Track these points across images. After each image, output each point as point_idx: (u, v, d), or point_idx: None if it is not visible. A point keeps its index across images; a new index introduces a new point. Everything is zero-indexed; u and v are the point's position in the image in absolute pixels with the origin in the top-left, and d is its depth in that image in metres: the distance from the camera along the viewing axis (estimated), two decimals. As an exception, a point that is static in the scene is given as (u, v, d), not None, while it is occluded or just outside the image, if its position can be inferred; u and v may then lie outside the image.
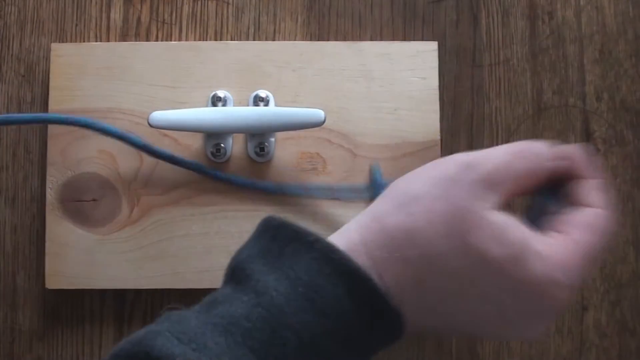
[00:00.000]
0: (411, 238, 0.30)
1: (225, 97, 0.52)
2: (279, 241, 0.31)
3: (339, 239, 0.31)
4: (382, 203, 0.32)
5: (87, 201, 0.52)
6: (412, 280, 0.30)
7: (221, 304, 0.30)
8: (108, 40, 0.54)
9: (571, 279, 0.30)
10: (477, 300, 0.31)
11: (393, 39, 0.54)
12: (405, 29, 0.55)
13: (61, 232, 0.51)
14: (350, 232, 0.32)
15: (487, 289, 0.30)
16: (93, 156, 0.52)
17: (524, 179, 0.32)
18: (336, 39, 0.54)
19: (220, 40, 0.54)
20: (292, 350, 0.28)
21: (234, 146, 0.52)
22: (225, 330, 0.28)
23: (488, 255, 0.30)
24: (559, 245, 0.31)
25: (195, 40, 0.54)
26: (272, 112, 0.49)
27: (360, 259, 0.30)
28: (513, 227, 0.31)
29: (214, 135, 0.51)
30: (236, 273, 0.31)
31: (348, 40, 0.54)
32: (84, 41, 0.54)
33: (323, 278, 0.29)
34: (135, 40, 0.54)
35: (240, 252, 0.32)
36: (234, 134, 0.51)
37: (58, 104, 0.52)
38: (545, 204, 0.34)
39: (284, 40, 0.54)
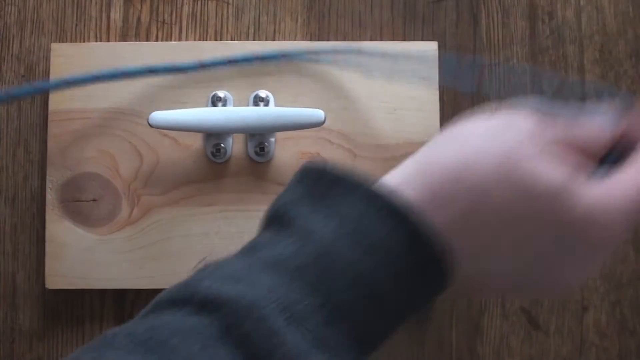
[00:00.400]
0: (462, 171, 0.30)
1: (225, 97, 0.52)
2: (322, 184, 0.30)
3: (389, 178, 0.31)
4: (435, 142, 0.33)
5: (87, 201, 0.52)
6: (462, 215, 0.29)
7: (264, 247, 0.29)
8: (108, 40, 0.54)
9: (611, 220, 0.29)
10: (521, 241, 0.30)
11: (393, 39, 0.54)
12: (405, 29, 0.55)
13: (61, 232, 0.51)
14: (403, 169, 0.31)
15: (530, 228, 0.29)
16: (93, 156, 0.52)
17: (584, 146, 0.32)
18: (336, 39, 0.54)
19: (220, 40, 0.54)
20: (343, 288, 0.27)
21: (234, 146, 0.52)
22: (274, 269, 0.27)
23: (534, 190, 0.29)
24: (603, 187, 0.30)
25: (195, 40, 0.54)
26: (272, 112, 0.49)
27: (410, 196, 0.29)
28: (563, 164, 0.30)
29: (214, 135, 0.51)
30: (277, 218, 0.30)
31: (348, 40, 0.54)
32: (84, 41, 0.54)
33: (370, 216, 0.28)
34: (135, 40, 0.54)
35: (279, 198, 0.31)
36: (234, 134, 0.51)
37: (58, 104, 0.52)
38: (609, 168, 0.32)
39: (284, 40, 0.54)
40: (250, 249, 0.29)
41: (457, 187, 0.30)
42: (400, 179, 0.30)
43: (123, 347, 0.25)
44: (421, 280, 0.29)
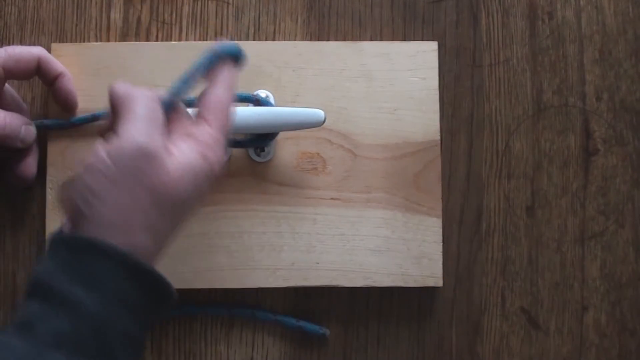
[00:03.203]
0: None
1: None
2: (76, 253, 0.34)
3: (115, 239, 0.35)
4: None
5: (87, 201, 0.51)
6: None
7: (38, 322, 0.32)
8: (108, 40, 0.54)
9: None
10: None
11: (393, 39, 0.54)
12: (405, 29, 0.55)
13: (61, 232, 0.51)
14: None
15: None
16: (93, 156, 0.52)
17: None
18: (336, 39, 0.54)
19: (220, 40, 0.54)
20: (119, 346, 0.33)
21: (234, 146, 0.52)
22: (58, 346, 0.31)
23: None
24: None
25: (195, 40, 0.54)
26: (272, 112, 0.49)
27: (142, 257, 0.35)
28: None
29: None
30: (38, 288, 0.33)
31: (348, 40, 0.54)
32: (84, 41, 0.54)
33: (125, 282, 0.33)
34: (135, 40, 0.54)
35: (36, 268, 0.35)
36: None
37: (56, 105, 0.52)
38: None
39: (284, 40, 0.54)
40: (24, 325, 0.32)
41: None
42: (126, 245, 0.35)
43: None
44: (159, 308, 0.36)
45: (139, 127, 0.36)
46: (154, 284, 0.35)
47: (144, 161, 0.35)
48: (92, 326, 0.32)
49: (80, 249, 0.34)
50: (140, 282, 0.34)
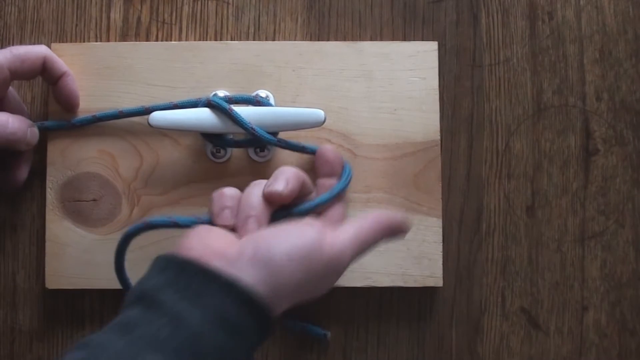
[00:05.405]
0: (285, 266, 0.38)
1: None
2: (186, 274, 0.36)
3: (227, 269, 0.37)
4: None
5: (87, 201, 0.52)
6: (288, 295, 0.38)
7: (139, 326, 0.34)
8: (108, 40, 0.54)
9: (346, 260, 0.42)
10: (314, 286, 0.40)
11: (393, 39, 0.54)
12: (405, 29, 0.55)
13: (61, 232, 0.51)
14: (239, 264, 0.38)
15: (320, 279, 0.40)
16: (93, 156, 0.52)
17: None
18: (336, 39, 0.54)
19: (220, 40, 0.54)
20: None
21: (234, 146, 0.52)
22: (156, 349, 0.33)
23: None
24: (340, 239, 0.41)
25: (195, 40, 0.54)
26: (272, 112, 0.49)
27: (254, 286, 0.37)
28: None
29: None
30: (144, 299, 0.35)
31: (348, 40, 0.54)
32: (84, 41, 0.54)
33: (229, 304, 0.35)
34: (135, 40, 0.54)
35: (143, 282, 0.37)
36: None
37: (58, 104, 0.52)
38: None
39: (284, 40, 0.54)
40: (125, 326, 0.34)
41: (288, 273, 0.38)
42: (240, 273, 0.37)
43: None
44: (259, 339, 0.38)
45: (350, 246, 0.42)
46: (255, 311, 0.36)
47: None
48: (190, 336, 0.34)
49: (191, 272, 0.36)
50: (242, 306, 0.36)
